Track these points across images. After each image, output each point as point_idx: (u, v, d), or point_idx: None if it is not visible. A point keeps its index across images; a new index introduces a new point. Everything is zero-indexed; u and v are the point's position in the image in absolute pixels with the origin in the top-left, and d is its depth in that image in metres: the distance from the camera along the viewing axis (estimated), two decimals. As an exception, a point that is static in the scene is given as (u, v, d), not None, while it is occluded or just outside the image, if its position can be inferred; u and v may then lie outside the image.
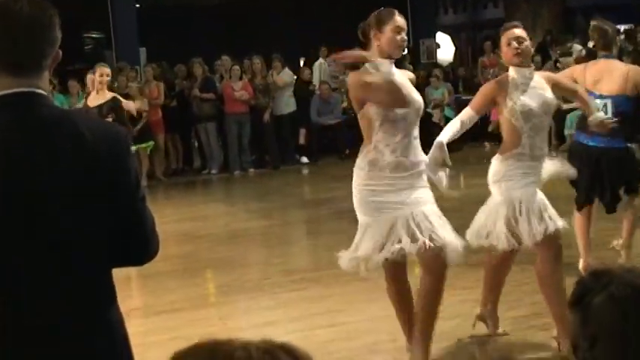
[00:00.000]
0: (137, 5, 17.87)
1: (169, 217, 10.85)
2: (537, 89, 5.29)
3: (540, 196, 5.29)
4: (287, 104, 15.93)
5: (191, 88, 15.38)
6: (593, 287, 1.52)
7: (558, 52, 17.22)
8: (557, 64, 16.13)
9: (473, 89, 12.53)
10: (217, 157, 15.51)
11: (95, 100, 11.28)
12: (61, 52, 2.50)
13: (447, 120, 15.63)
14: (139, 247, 2.57)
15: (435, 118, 15.72)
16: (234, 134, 15.12)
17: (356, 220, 5.02)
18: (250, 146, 15.61)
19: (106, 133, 2.46)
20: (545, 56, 17.25)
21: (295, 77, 16.55)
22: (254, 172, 15.24)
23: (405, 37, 4.90)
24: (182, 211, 11.94)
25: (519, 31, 5.26)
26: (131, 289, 7.64)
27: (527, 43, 5.29)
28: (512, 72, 5.27)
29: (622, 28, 24.96)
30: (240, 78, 15.25)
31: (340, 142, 16.02)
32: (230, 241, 9.50)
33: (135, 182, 2.50)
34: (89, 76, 11.64)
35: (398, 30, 4.81)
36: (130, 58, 16.65)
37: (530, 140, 5.24)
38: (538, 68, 16.63)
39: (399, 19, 4.85)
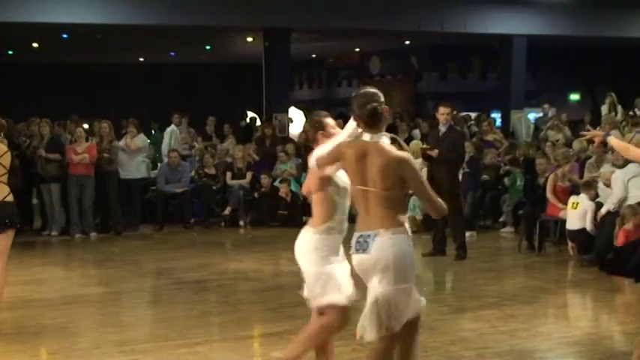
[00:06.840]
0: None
1: (2, 279, 10.50)
2: None
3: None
4: (138, 169, 15.79)
5: (37, 147, 15.01)
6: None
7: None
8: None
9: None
10: (59, 219, 15.14)
11: None
12: None
13: (294, 194, 15.83)
14: None
15: (282, 192, 15.85)
16: (74, 196, 14.80)
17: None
18: (94, 210, 15.31)
19: None
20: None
21: (149, 142, 16.39)
22: (96, 237, 14.95)
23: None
24: (16, 273, 11.52)
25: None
26: (-47, 355, 7.36)
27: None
28: None
29: (471, 114, 26.06)
30: (87, 139, 15.01)
31: (186, 211, 15.97)
32: (64, 307, 9.26)
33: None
34: None
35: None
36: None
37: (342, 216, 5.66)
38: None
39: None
